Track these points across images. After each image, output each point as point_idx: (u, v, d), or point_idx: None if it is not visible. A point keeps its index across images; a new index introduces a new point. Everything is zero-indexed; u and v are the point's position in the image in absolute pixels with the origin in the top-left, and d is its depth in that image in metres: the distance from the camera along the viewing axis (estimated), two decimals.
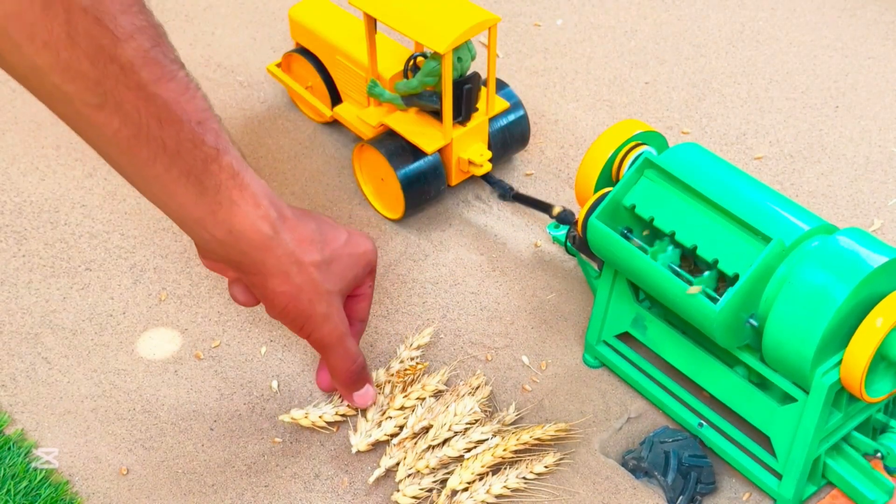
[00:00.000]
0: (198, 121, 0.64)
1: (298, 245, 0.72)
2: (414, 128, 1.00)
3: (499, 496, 0.81)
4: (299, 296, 0.74)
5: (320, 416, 0.85)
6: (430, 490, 0.82)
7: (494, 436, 0.84)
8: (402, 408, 0.86)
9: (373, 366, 0.90)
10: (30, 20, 0.55)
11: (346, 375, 0.81)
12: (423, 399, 0.86)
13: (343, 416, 0.86)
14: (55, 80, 0.58)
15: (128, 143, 0.62)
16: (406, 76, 1.00)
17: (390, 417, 0.85)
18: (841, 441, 0.80)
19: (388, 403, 0.86)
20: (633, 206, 0.81)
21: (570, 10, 1.30)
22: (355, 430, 0.85)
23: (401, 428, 0.85)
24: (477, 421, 0.85)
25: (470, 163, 1.02)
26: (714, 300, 0.76)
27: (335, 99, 1.10)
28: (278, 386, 0.90)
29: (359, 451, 0.84)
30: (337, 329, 0.77)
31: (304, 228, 0.73)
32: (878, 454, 0.79)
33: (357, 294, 0.82)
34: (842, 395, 0.77)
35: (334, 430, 0.87)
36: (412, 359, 0.90)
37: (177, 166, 0.65)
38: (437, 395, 0.88)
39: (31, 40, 0.56)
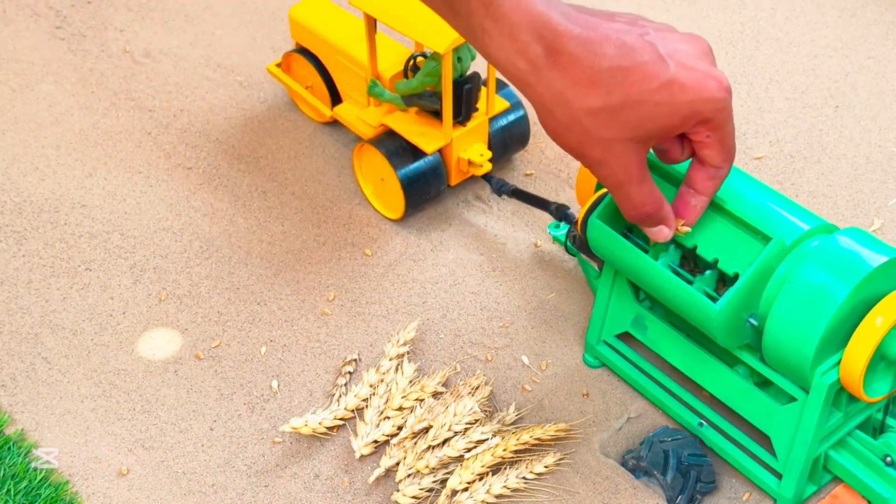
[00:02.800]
0: None
1: (571, 86, 0.63)
2: (414, 128, 1.00)
3: (499, 496, 0.81)
4: (566, 135, 0.66)
5: (320, 423, 0.85)
6: (430, 490, 0.82)
7: (494, 436, 0.84)
8: (401, 408, 0.86)
9: (371, 366, 0.90)
10: None
11: (630, 217, 0.73)
12: (423, 400, 0.86)
13: (342, 419, 0.87)
14: None
15: None
16: (406, 76, 1.00)
17: (388, 418, 0.85)
18: (848, 437, 0.80)
19: (383, 404, 0.86)
20: None
21: None
22: (355, 434, 0.85)
23: (400, 428, 0.85)
24: (477, 421, 0.85)
25: (470, 163, 1.02)
26: (714, 300, 0.76)
27: (335, 99, 1.10)
28: (278, 386, 0.90)
29: (363, 456, 0.84)
30: (614, 176, 0.68)
31: (586, 68, 0.63)
32: (888, 459, 0.79)
33: (693, 139, 0.70)
34: (842, 394, 0.77)
35: (334, 432, 0.87)
36: (399, 356, 0.90)
37: None
38: (437, 395, 0.88)
39: None
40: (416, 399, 0.86)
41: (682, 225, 0.75)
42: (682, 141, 0.71)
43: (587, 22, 0.63)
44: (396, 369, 0.89)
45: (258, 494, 0.83)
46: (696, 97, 0.65)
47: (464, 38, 0.65)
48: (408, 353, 0.91)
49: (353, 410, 0.87)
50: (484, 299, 0.97)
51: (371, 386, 0.87)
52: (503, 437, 0.84)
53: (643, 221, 0.73)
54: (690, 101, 0.65)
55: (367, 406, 0.87)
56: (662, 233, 0.74)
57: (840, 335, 0.74)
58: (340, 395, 0.88)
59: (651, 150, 0.73)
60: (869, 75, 1.20)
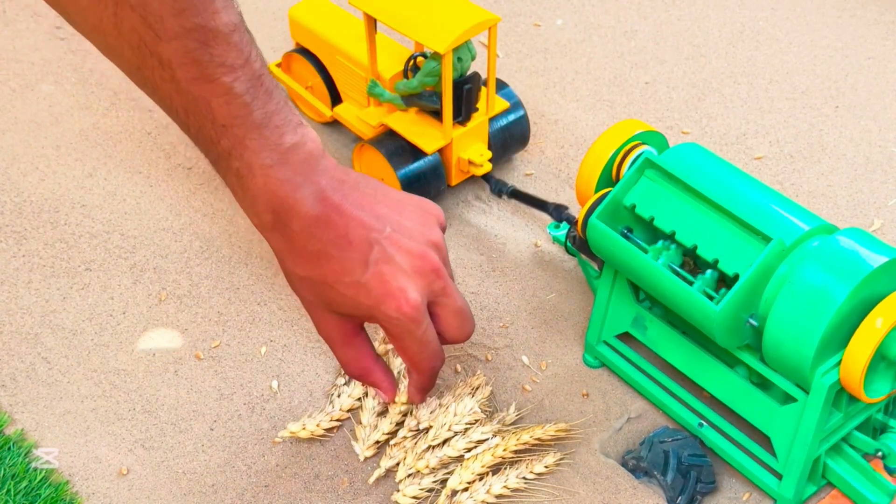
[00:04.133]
0: (222, 124, 0.67)
1: (288, 251, 0.73)
2: (414, 128, 1.00)
3: (499, 496, 0.81)
4: (290, 284, 0.76)
5: (318, 425, 0.85)
6: (430, 490, 0.82)
7: (494, 436, 0.84)
8: (402, 412, 0.86)
9: None
10: (83, 5, 0.63)
11: (345, 373, 0.81)
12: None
13: (339, 420, 0.87)
14: (104, 53, 0.68)
15: (165, 110, 0.70)
16: (406, 76, 1.00)
17: (386, 415, 0.85)
18: (841, 442, 0.80)
19: (380, 406, 0.86)
20: (634, 206, 0.81)
21: (570, 10, 1.30)
22: (356, 438, 0.85)
23: (399, 425, 0.85)
24: (477, 421, 0.85)
25: (470, 163, 1.02)
26: (714, 300, 0.76)
27: (335, 99, 1.10)
28: (278, 386, 0.90)
29: (366, 458, 0.84)
30: (321, 332, 0.78)
31: (299, 244, 0.72)
32: (879, 453, 0.79)
33: (387, 335, 0.77)
34: (842, 395, 0.77)
35: (333, 433, 0.87)
36: (384, 353, 0.90)
37: (199, 145, 0.70)
38: (438, 395, 0.88)
39: (84, 22, 0.64)
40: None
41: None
42: None
43: (332, 205, 0.71)
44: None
45: (258, 494, 0.83)
46: (374, 305, 0.73)
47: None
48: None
49: (348, 411, 0.87)
50: (484, 299, 0.97)
51: (364, 385, 0.87)
52: (503, 437, 0.84)
53: (358, 380, 0.82)
54: (369, 307, 0.73)
55: (362, 408, 0.87)
56: (379, 396, 0.82)
57: (840, 336, 0.74)
58: (338, 395, 0.88)
59: None
60: (869, 75, 1.20)
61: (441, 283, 0.74)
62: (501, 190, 1.02)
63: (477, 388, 0.87)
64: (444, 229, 0.77)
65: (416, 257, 0.73)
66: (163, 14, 0.63)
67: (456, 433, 0.84)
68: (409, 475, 0.82)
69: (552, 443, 0.85)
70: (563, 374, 0.91)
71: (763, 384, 0.81)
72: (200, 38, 0.65)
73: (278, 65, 1.14)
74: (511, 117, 1.05)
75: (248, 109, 0.68)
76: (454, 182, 1.03)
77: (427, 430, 0.84)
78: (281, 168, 0.69)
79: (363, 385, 0.84)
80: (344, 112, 1.07)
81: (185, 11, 0.63)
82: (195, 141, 0.70)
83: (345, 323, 0.76)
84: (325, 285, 0.73)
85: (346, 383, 0.89)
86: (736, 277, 0.76)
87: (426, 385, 0.80)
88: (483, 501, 0.81)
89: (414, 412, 0.85)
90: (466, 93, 0.98)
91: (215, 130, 0.68)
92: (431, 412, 0.85)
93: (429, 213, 0.76)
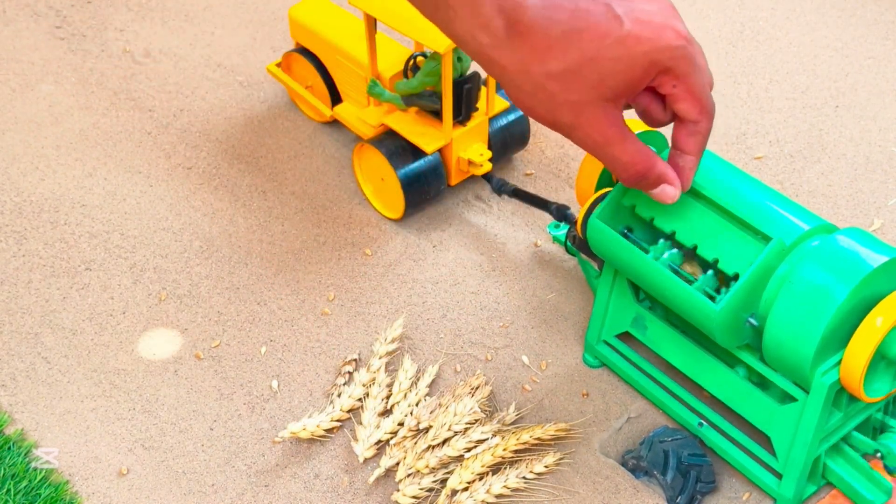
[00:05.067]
0: None
1: (531, 53, 0.65)
2: (414, 128, 1.00)
3: (499, 496, 0.81)
4: (534, 104, 0.68)
5: (318, 426, 0.85)
6: (430, 490, 0.82)
7: (494, 435, 0.84)
8: (404, 408, 0.86)
9: (363, 366, 0.90)
10: None
11: (626, 182, 0.73)
12: (420, 401, 0.87)
13: (339, 420, 0.87)
14: None
15: None
16: (406, 76, 1.00)
17: (389, 413, 0.85)
18: (840, 441, 0.80)
19: (380, 404, 0.86)
20: (634, 206, 0.81)
21: None
22: (356, 438, 0.85)
23: (401, 424, 0.85)
24: (477, 421, 0.85)
25: (470, 163, 1.02)
26: (714, 300, 0.76)
27: (335, 99, 1.10)
28: (278, 386, 0.90)
29: (366, 459, 0.84)
30: (590, 139, 0.69)
31: (542, 34, 0.65)
32: (878, 454, 0.79)
33: (663, 93, 0.70)
34: (842, 394, 0.77)
35: (333, 433, 0.87)
36: (388, 353, 0.90)
37: None
38: (438, 395, 0.88)
39: None
40: (416, 398, 0.86)
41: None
42: (660, 100, 0.71)
43: None
44: (386, 368, 0.89)
45: (258, 494, 0.83)
46: (651, 47, 0.66)
47: (426, 16, 0.67)
48: (407, 351, 0.91)
49: (348, 411, 0.87)
50: (484, 299, 0.97)
51: (364, 385, 0.88)
52: (503, 437, 0.84)
53: (639, 183, 0.73)
54: (646, 52, 0.66)
55: (362, 408, 0.87)
56: (666, 192, 0.73)
57: (840, 335, 0.74)
58: (338, 395, 0.88)
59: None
60: (869, 75, 1.20)
61: (681, 17, 0.69)
62: (502, 189, 1.02)
63: (477, 388, 0.87)
64: None
65: (654, 1, 0.67)
66: None
67: (456, 433, 0.84)
68: (409, 475, 0.82)
69: (552, 442, 0.85)
70: (562, 374, 0.91)
71: (763, 384, 0.81)
72: None
73: (278, 65, 1.14)
74: (511, 117, 1.05)
75: None
76: (454, 182, 1.03)
77: (427, 430, 0.85)
78: None
79: (646, 188, 0.74)
80: (344, 112, 1.07)
81: None
82: None
83: (614, 111, 0.69)
84: (590, 62, 0.65)
85: (346, 383, 0.89)
86: (736, 277, 0.76)
87: (704, 146, 0.73)
88: (483, 501, 0.81)
89: (415, 413, 0.85)
90: (466, 92, 0.98)
91: None
92: (431, 412, 0.85)
93: None
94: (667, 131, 1.14)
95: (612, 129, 0.69)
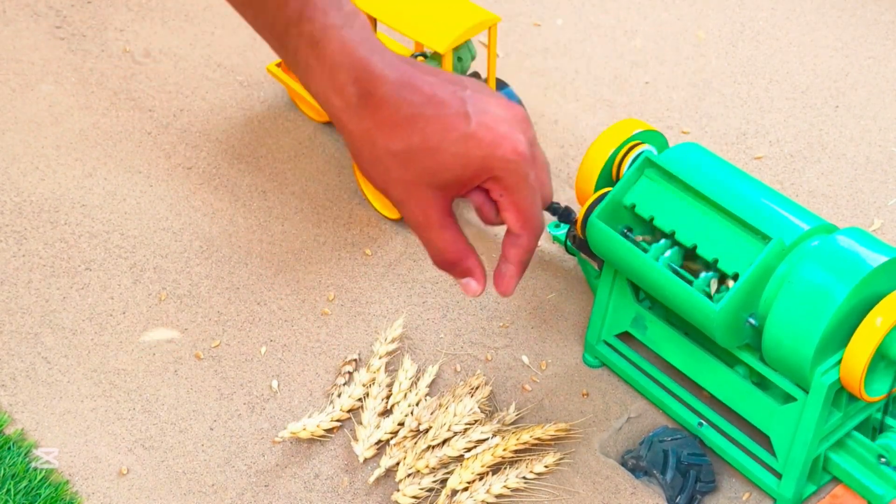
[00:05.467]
0: None
1: (377, 127, 0.67)
2: None
3: (499, 496, 0.81)
4: (372, 173, 0.70)
5: (318, 426, 0.85)
6: (430, 490, 0.82)
7: (494, 435, 0.84)
8: (404, 407, 0.86)
9: (363, 366, 0.90)
10: None
11: (436, 263, 0.75)
12: (420, 401, 0.87)
13: (339, 420, 0.87)
14: None
15: None
16: None
17: (390, 413, 0.85)
18: (846, 438, 0.80)
19: (380, 404, 0.86)
20: (633, 206, 0.81)
21: (570, 10, 1.30)
22: (356, 438, 0.85)
23: (401, 424, 0.85)
24: (477, 421, 0.85)
25: None
26: (713, 299, 0.76)
27: None
28: (278, 386, 0.90)
29: (366, 459, 0.84)
30: (413, 217, 0.71)
31: (392, 112, 0.67)
32: (882, 459, 0.79)
33: (494, 200, 0.72)
34: (841, 394, 0.77)
35: (333, 433, 0.87)
36: (388, 353, 0.90)
37: (261, 19, 0.67)
38: (437, 395, 0.88)
39: None
40: (416, 398, 0.86)
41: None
42: (493, 203, 0.72)
43: (407, 71, 0.67)
44: (386, 368, 0.89)
45: (258, 494, 0.83)
46: (488, 154, 0.68)
47: (288, 65, 0.69)
48: (407, 351, 0.91)
49: (348, 411, 0.87)
50: (484, 299, 0.97)
51: (364, 385, 0.88)
52: (503, 437, 0.84)
53: (449, 270, 0.75)
54: (482, 157, 0.68)
55: (362, 408, 0.87)
56: (470, 286, 0.75)
57: (840, 335, 0.74)
58: (338, 395, 0.88)
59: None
60: (869, 75, 1.20)
61: (532, 133, 0.70)
62: None
63: (477, 388, 0.87)
64: None
65: (506, 107, 0.70)
66: None
67: (456, 433, 0.84)
68: (409, 475, 0.82)
69: (552, 443, 0.85)
70: (563, 374, 0.91)
71: (763, 384, 0.81)
72: None
73: (278, 65, 1.14)
74: None
75: None
76: None
77: (427, 430, 0.84)
78: (350, 31, 0.65)
79: (454, 276, 0.76)
80: None
81: None
82: (258, 15, 0.66)
83: (443, 199, 0.71)
84: (427, 150, 0.68)
85: (346, 383, 0.89)
86: (736, 277, 0.76)
87: (527, 259, 0.74)
88: (483, 501, 0.81)
89: (415, 413, 0.85)
90: None
91: None
92: (432, 413, 0.85)
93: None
94: (666, 133, 1.14)
95: (434, 215, 0.71)
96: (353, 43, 0.65)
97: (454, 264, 0.74)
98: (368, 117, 0.67)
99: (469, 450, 0.83)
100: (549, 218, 1.02)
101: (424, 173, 0.69)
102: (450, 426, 0.83)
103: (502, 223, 0.73)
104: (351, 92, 0.66)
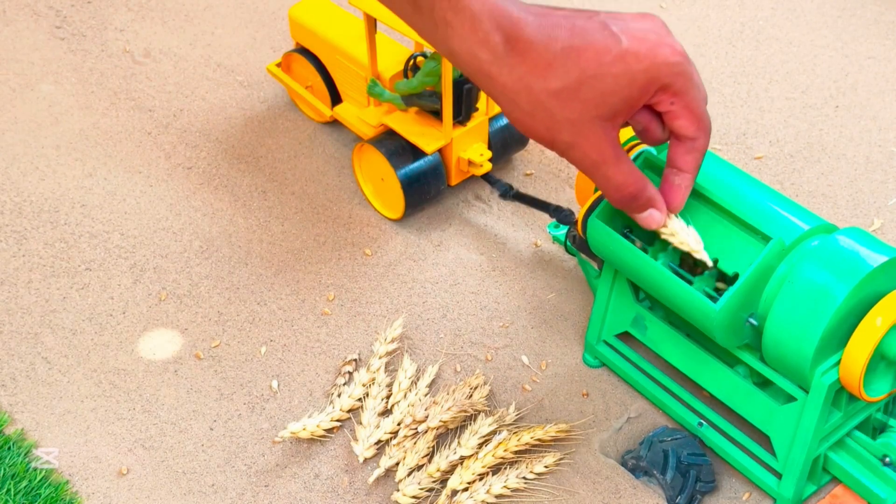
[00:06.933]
0: None
1: (531, 70, 0.65)
2: (414, 128, 1.00)
3: (499, 496, 0.81)
4: (533, 122, 0.67)
5: (318, 426, 0.85)
6: (430, 490, 0.82)
7: (500, 431, 0.84)
8: (404, 406, 0.86)
9: (363, 366, 0.90)
10: None
11: (615, 202, 0.73)
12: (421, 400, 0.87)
13: (339, 420, 0.87)
14: None
15: None
16: (406, 76, 1.00)
17: (389, 413, 0.85)
18: (846, 438, 0.80)
19: (380, 404, 0.86)
20: None
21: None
22: (356, 438, 0.85)
23: (400, 424, 0.85)
24: (480, 412, 0.85)
25: (470, 163, 1.02)
26: (714, 300, 0.76)
27: (335, 99, 1.10)
28: (278, 386, 0.90)
29: (366, 459, 0.84)
30: (587, 158, 0.69)
31: (542, 51, 0.65)
32: (886, 458, 0.79)
33: (661, 111, 0.70)
34: (842, 394, 0.77)
35: (333, 433, 0.87)
36: (388, 353, 0.90)
37: None
38: (434, 393, 0.88)
39: None
40: (416, 398, 0.86)
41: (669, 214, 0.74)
42: (657, 118, 0.70)
43: (539, 10, 0.65)
44: (386, 368, 0.89)
45: (258, 494, 0.83)
46: (650, 64, 0.66)
47: (421, 35, 0.66)
48: (407, 351, 0.91)
49: (348, 411, 0.87)
50: (484, 299, 0.97)
51: (364, 385, 0.88)
52: (507, 435, 0.84)
53: (629, 205, 0.72)
54: (646, 69, 0.66)
55: (362, 408, 0.87)
56: (653, 217, 0.73)
57: (840, 335, 0.74)
58: (338, 395, 0.88)
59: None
60: (869, 75, 1.20)
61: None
62: (506, 192, 1.02)
63: (476, 388, 0.87)
64: None
65: (644, 18, 0.68)
66: None
67: (460, 426, 0.84)
68: (409, 475, 0.82)
69: (552, 443, 0.85)
70: (563, 374, 0.91)
71: (763, 384, 0.81)
72: None
73: (278, 65, 1.14)
74: None
75: None
76: (454, 182, 1.03)
77: (427, 431, 0.84)
78: None
79: (634, 211, 0.73)
80: (344, 112, 1.07)
81: None
82: None
83: (612, 130, 0.68)
84: (588, 80, 0.65)
85: (346, 383, 0.89)
86: (736, 277, 0.76)
87: (700, 165, 0.72)
88: (483, 501, 0.81)
89: (415, 413, 0.85)
90: (466, 92, 0.98)
91: None
92: (426, 409, 0.85)
93: None
94: None
95: (609, 149, 0.68)
96: None
97: (635, 197, 0.71)
98: (520, 63, 0.65)
99: (481, 446, 0.83)
100: (549, 218, 1.02)
101: (590, 105, 0.66)
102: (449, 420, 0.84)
103: (668, 139, 0.71)
104: (497, 40, 0.64)
